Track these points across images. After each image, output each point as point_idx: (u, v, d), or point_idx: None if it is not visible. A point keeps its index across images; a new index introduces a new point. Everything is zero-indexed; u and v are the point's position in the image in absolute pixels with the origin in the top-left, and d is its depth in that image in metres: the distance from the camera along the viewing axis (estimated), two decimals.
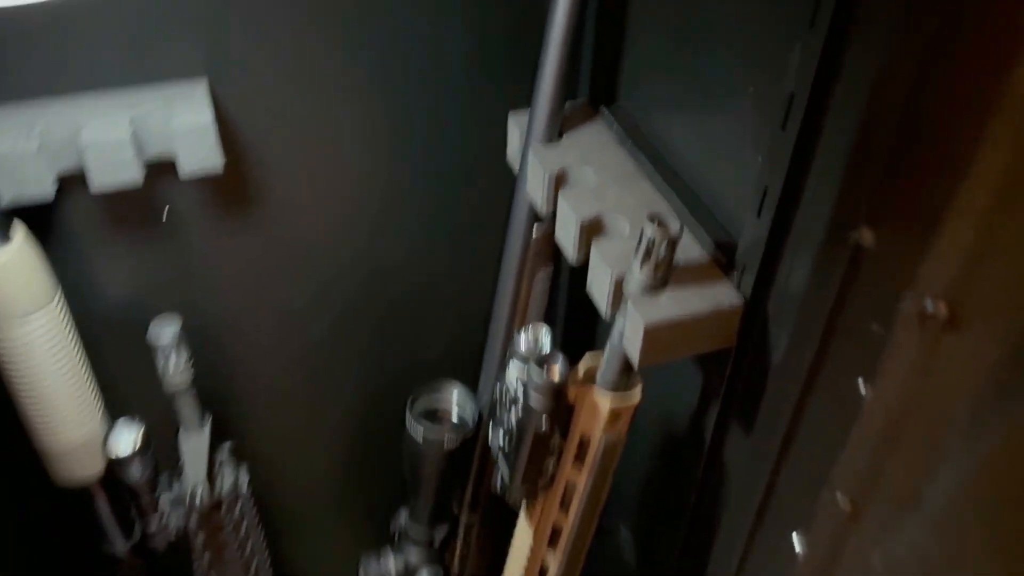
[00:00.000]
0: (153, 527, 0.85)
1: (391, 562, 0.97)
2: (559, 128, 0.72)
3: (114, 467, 0.80)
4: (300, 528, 1.14)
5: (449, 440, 0.84)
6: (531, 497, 0.70)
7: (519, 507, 0.74)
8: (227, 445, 0.92)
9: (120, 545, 0.87)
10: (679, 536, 0.75)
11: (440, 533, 0.95)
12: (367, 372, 1.01)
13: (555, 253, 0.81)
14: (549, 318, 0.85)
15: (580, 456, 0.65)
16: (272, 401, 1.00)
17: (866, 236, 0.39)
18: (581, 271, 0.64)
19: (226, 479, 0.89)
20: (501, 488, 0.70)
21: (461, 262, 0.95)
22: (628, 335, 0.57)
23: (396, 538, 0.97)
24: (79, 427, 0.77)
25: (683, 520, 0.73)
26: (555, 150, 0.71)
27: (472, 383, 0.90)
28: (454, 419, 0.90)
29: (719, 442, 0.67)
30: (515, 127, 0.75)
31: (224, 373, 0.94)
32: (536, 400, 0.63)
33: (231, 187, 0.80)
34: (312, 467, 1.08)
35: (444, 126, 0.84)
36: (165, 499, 0.85)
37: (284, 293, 0.90)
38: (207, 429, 0.88)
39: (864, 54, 0.42)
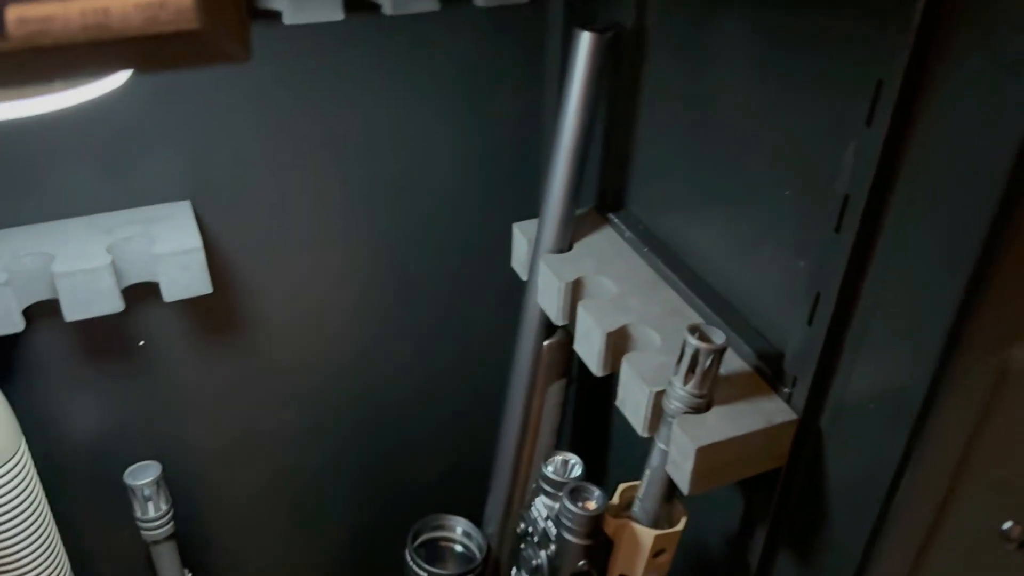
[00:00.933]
0: None
1: None
2: (570, 238, 0.68)
3: None
4: None
5: None
6: None
7: None
8: None
9: None
10: None
11: None
12: (365, 501, 0.93)
13: (568, 364, 0.76)
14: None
15: None
16: (261, 547, 0.91)
17: (1017, 357, 0.33)
18: (588, 379, 0.59)
19: None
20: None
21: (466, 378, 0.89)
22: (675, 460, 0.52)
23: None
24: None
25: None
26: (567, 260, 0.67)
27: (478, 506, 0.83)
28: (458, 548, 0.83)
29: (767, 568, 0.61)
30: (521, 237, 0.71)
31: (207, 521, 0.85)
32: (572, 536, 0.57)
33: (217, 310, 0.74)
34: None
35: (444, 239, 0.80)
36: None
37: (276, 422, 0.83)
38: None
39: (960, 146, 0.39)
